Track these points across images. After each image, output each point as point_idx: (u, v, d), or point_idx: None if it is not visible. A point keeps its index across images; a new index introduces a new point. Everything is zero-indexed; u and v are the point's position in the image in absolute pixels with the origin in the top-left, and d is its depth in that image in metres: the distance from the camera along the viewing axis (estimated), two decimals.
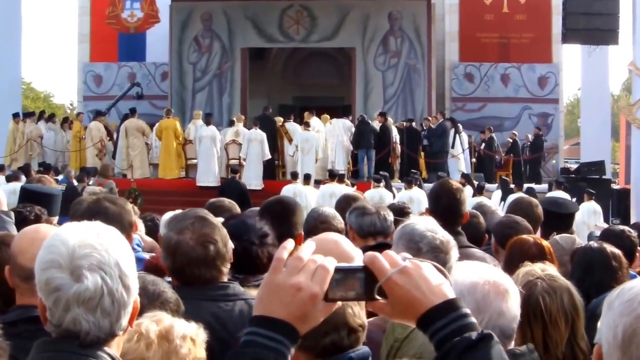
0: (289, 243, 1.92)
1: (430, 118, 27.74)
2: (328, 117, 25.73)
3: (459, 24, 31.67)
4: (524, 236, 5.29)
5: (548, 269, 3.64)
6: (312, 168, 23.23)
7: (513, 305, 2.77)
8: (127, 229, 4.51)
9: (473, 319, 1.90)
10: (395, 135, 25.52)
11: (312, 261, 1.86)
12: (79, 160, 26.16)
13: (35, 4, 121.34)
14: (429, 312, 1.88)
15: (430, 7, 30.44)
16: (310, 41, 31.72)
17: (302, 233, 5.26)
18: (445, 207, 5.63)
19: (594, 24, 21.51)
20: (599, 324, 1.99)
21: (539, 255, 4.72)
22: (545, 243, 5.14)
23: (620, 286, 1.98)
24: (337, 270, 1.87)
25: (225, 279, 3.86)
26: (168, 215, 5.46)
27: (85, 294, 2.12)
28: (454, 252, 3.80)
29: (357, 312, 2.39)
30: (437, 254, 3.70)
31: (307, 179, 21.40)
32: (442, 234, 3.84)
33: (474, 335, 1.86)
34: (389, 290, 1.88)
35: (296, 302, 1.82)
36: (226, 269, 3.84)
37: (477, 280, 2.75)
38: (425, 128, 27.16)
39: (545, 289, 3.43)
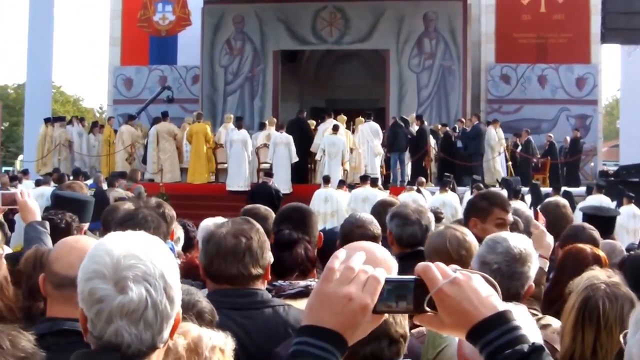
0: (341, 253, 1.91)
1: (463, 120, 27.33)
2: (363, 119, 25.37)
3: (495, 24, 31.44)
4: (581, 245, 5.19)
5: (614, 277, 3.57)
6: (339, 172, 22.99)
7: None
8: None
9: (524, 331, 1.86)
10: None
11: (363, 271, 1.85)
12: (109, 165, 26.01)
13: (67, 8, 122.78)
14: (480, 324, 1.86)
15: (466, 7, 30.17)
16: (343, 43, 31.47)
17: (321, 234, 5.36)
18: None
19: (634, 24, 21.08)
20: (621, 340, 1.98)
21: (595, 265, 4.45)
22: (602, 254, 5.01)
23: None
24: (387, 281, 1.86)
25: (255, 285, 3.76)
26: (208, 221, 5.73)
27: (129, 305, 2.05)
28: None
29: (400, 321, 2.41)
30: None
31: (341, 184, 21.14)
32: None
33: (525, 347, 1.83)
34: (439, 301, 1.87)
35: (347, 312, 1.81)
36: (256, 271, 3.72)
37: None
38: (458, 130, 26.77)
39: (607, 294, 3.36)
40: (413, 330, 3.55)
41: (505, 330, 1.85)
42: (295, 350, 1.81)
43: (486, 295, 1.88)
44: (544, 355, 1.85)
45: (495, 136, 25.97)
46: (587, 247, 5.11)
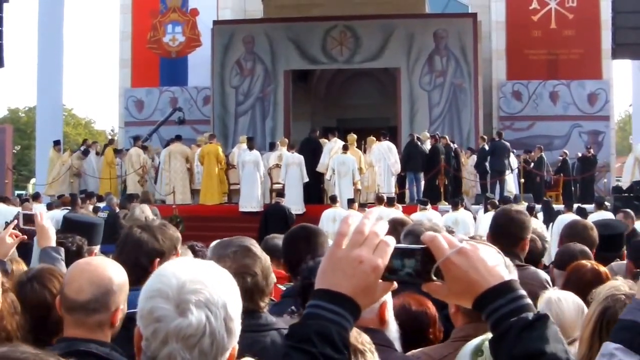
0: (351, 218, 1.95)
1: (445, 136, 26.86)
2: (374, 139, 25.26)
3: (506, 41, 31.41)
4: (583, 261, 5.26)
5: (635, 288, 3.35)
6: (350, 191, 22.86)
7: None
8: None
9: (529, 300, 1.92)
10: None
11: (374, 234, 1.89)
12: (111, 188, 25.70)
13: (77, 30, 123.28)
14: (486, 293, 1.91)
15: (477, 24, 30.06)
16: (354, 62, 31.32)
17: None
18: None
19: None
20: None
21: (595, 281, 4.57)
22: (602, 269, 5.06)
23: None
24: (396, 249, 1.90)
25: (262, 311, 3.79)
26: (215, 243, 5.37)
27: (187, 329, 2.01)
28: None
29: (355, 335, 2.48)
30: None
31: (350, 202, 20.97)
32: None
33: (530, 315, 1.88)
34: (446, 271, 1.91)
35: (358, 275, 1.85)
36: (264, 303, 3.77)
37: None
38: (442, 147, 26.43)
39: (627, 305, 3.13)
40: (425, 349, 3.52)
41: (511, 299, 1.90)
42: (310, 313, 1.87)
43: (493, 265, 1.93)
44: (549, 323, 1.89)
45: None
46: (588, 263, 5.17)
